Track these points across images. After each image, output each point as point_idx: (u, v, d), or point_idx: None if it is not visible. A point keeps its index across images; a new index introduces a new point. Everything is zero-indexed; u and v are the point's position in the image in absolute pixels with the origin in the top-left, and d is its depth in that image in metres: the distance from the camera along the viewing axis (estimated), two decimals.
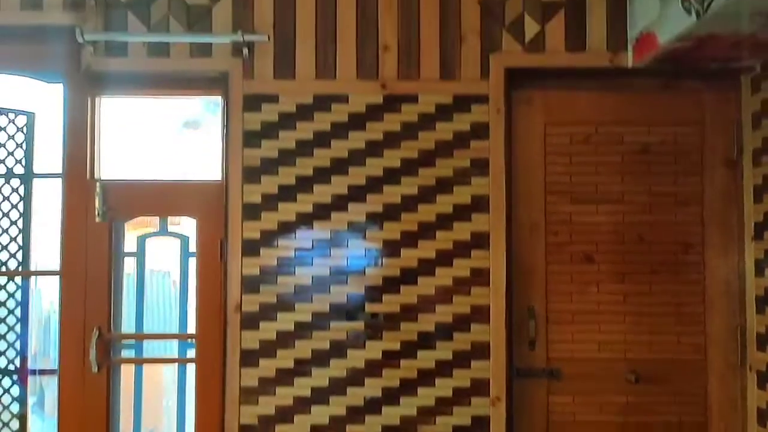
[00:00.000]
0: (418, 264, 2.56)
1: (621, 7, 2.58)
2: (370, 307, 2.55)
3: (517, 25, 2.60)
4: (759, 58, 2.45)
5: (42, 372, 2.82)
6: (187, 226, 2.79)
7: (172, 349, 2.91)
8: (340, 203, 2.58)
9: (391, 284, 2.56)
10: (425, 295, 2.55)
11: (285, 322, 2.54)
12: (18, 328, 2.71)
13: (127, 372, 2.70)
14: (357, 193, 2.58)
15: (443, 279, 2.55)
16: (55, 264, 2.72)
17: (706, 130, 2.66)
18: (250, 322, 2.54)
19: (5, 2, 2.55)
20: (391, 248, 2.56)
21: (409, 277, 2.55)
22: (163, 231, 2.77)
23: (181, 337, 2.70)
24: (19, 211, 2.73)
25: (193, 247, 2.72)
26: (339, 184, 2.58)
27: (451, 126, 2.58)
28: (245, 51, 2.55)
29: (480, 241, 2.56)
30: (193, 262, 2.71)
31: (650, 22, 2.39)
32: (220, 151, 2.68)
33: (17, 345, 2.71)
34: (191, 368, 2.68)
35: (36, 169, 2.76)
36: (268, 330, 2.54)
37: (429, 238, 2.56)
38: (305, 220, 2.58)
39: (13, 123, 2.74)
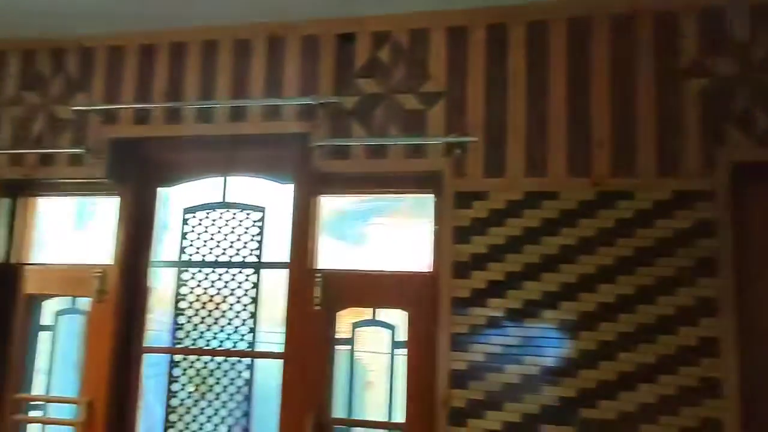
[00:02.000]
0: (637, 368, 2.41)
1: None
2: (584, 412, 2.43)
3: (745, 118, 2.46)
4: None
5: None
6: (395, 314, 2.90)
7: None
8: (550, 300, 2.54)
9: (607, 388, 2.43)
10: (646, 403, 2.38)
11: (493, 420, 2.51)
12: (245, 405, 2.96)
13: None
14: (568, 291, 2.52)
15: (666, 387, 2.37)
16: (276, 347, 2.97)
17: None
18: (458, 417, 2.53)
19: (251, 115, 2.93)
20: (606, 350, 2.45)
21: (627, 382, 2.41)
22: (374, 321, 2.89)
23: (389, 426, 2.76)
24: (250, 297, 3.03)
25: (400, 336, 2.82)
26: (549, 281, 2.55)
27: (672, 223, 2.46)
28: (457, 151, 2.67)
29: (708, 347, 2.36)
30: (401, 352, 2.81)
31: None
32: (431, 246, 2.80)
33: (242, 421, 2.95)
34: None
35: (264, 259, 3.06)
36: (476, 428, 2.52)
37: (649, 342, 2.41)
38: (514, 317, 2.56)
39: (249, 218, 3.09)
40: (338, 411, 2.84)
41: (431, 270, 2.79)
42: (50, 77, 3.19)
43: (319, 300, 2.85)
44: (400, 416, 2.76)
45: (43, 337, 3.26)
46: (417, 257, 2.88)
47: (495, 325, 2.57)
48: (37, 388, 3.22)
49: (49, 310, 3.28)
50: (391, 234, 3.76)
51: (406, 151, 2.76)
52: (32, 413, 3.19)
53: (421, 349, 2.73)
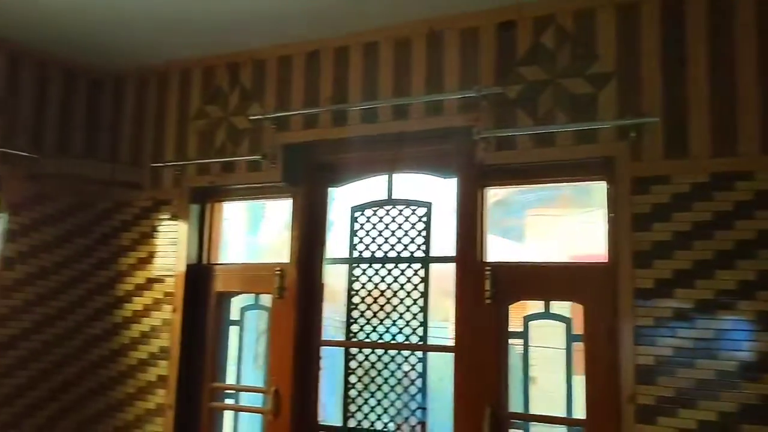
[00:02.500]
0: None
1: None
2: None
3: None
4: None
5: None
6: (570, 307, 2.81)
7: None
8: (746, 290, 2.33)
9: None
10: None
11: (687, 419, 2.35)
12: (419, 397, 3.02)
13: None
14: (767, 280, 2.30)
15: None
16: (447, 340, 3.00)
17: None
18: (646, 415, 2.40)
19: (413, 111, 2.97)
20: None
21: None
22: (547, 314, 2.82)
23: (570, 422, 2.68)
24: (419, 291, 3.08)
25: (577, 329, 2.73)
26: (744, 269, 2.33)
27: None
28: (632, 135, 2.53)
29: None
30: (577, 346, 2.72)
31: None
32: (605, 235, 2.67)
33: (418, 413, 3.01)
34: None
35: (433, 253, 3.09)
36: (667, 427, 2.37)
37: None
38: (705, 308, 2.38)
39: (415, 213, 3.14)
40: (514, 406, 2.81)
41: (607, 260, 2.66)
42: (228, 90, 3.46)
43: (490, 293, 2.82)
44: (579, 412, 2.67)
45: (232, 332, 3.54)
46: (588, 247, 2.77)
47: (683, 317, 2.40)
48: (230, 378, 3.50)
49: (236, 306, 3.55)
50: (555, 224, 3.66)
51: (575, 137, 2.66)
52: (226, 401, 3.48)
53: (600, 343, 2.62)
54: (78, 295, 3.66)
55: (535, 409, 2.82)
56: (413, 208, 3.15)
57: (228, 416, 3.49)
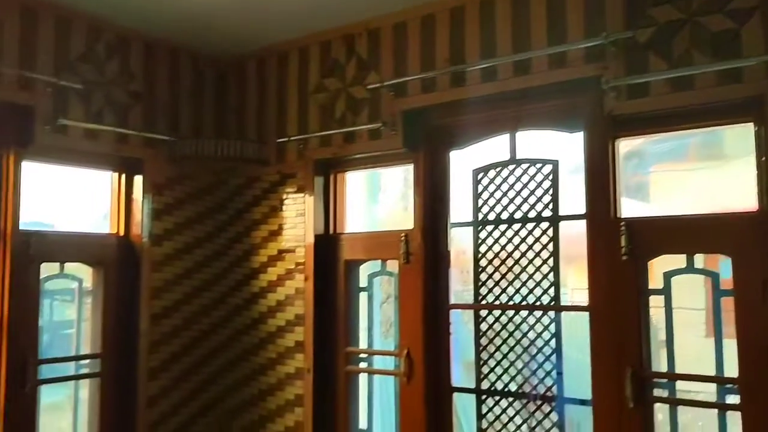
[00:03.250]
0: None
1: None
2: None
3: None
4: None
5: (573, 401, 3.01)
6: (717, 261, 2.64)
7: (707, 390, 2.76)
8: None
9: None
10: None
11: None
12: (553, 358, 2.97)
13: (661, 411, 2.67)
14: None
15: None
16: (582, 299, 2.92)
17: None
18: None
19: (535, 66, 2.88)
20: None
21: None
22: (690, 269, 2.67)
23: (722, 380, 2.53)
24: (548, 251, 3.01)
25: (724, 284, 2.56)
26: None
27: None
28: None
29: None
30: (725, 301, 2.55)
31: None
32: (757, 181, 2.47)
33: (553, 374, 2.96)
34: (732, 416, 2.49)
35: (561, 212, 3.00)
36: None
37: None
38: None
39: (540, 172, 3.06)
40: (657, 364, 2.69)
41: (758, 208, 2.47)
42: (345, 62, 3.52)
43: (626, 249, 2.71)
44: (730, 370, 2.52)
45: (362, 298, 3.64)
46: (726, 200, 2.58)
47: None
48: (362, 343, 3.62)
49: (363, 273, 3.65)
50: (684, 179, 3.43)
51: (716, 78, 2.46)
52: (360, 365, 3.60)
53: (752, 297, 2.44)
54: (220, 268, 3.91)
55: (679, 369, 2.69)
56: (538, 166, 3.07)
57: (362, 379, 3.61)
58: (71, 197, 3.60)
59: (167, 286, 3.65)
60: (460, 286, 3.53)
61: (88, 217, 3.63)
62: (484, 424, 3.11)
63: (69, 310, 3.75)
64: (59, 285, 3.47)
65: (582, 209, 2.89)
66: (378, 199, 4.70)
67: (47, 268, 3.26)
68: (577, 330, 3.03)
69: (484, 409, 3.12)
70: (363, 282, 3.65)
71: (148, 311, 3.53)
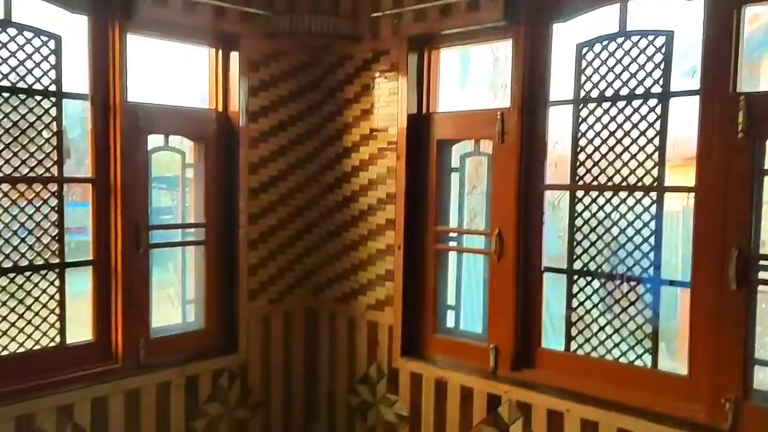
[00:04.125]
0: None
1: None
2: None
3: None
4: None
5: (671, 283, 2.97)
6: None
7: None
8: None
9: None
10: None
11: None
12: (652, 240, 2.90)
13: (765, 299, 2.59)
14: None
15: None
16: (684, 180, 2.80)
17: None
18: None
19: None
20: None
21: None
22: None
23: None
24: (655, 129, 2.86)
25: None
26: None
27: None
28: None
29: None
30: None
31: None
32: None
33: (651, 256, 2.90)
34: None
35: (672, 88, 2.82)
36: None
37: None
38: None
39: (652, 44, 2.85)
40: (765, 248, 2.58)
41: None
42: None
43: (743, 126, 2.54)
44: None
45: (453, 178, 3.64)
46: None
47: None
48: (452, 222, 3.65)
49: (456, 153, 3.62)
50: None
51: None
52: (450, 244, 3.66)
53: None
54: (312, 147, 3.98)
55: None
56: (650, 38, 2.86)
57: (452, 257, 3.67)
58: (173, 73, 3.70)
59: (263, 162, 3.76)
60: (558, 166, 3.45)
61: (190, 93, 3.73)
62: (575, 304, 3.13)
63: (172, 189, 3.97)
64: (164, 158, 3.65)
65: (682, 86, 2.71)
66: (468, 79, 4.58)
67: (153, 141, 3.42)
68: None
69: (575, 289, 3.13)
70: (455, 162, 3.63)
71: (246, 185, 3.67)
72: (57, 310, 3.10)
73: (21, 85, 2.94)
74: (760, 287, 2.59)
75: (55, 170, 3.06)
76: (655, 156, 2.86)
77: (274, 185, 3.82)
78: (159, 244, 3.50)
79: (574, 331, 3.13)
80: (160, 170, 4.28)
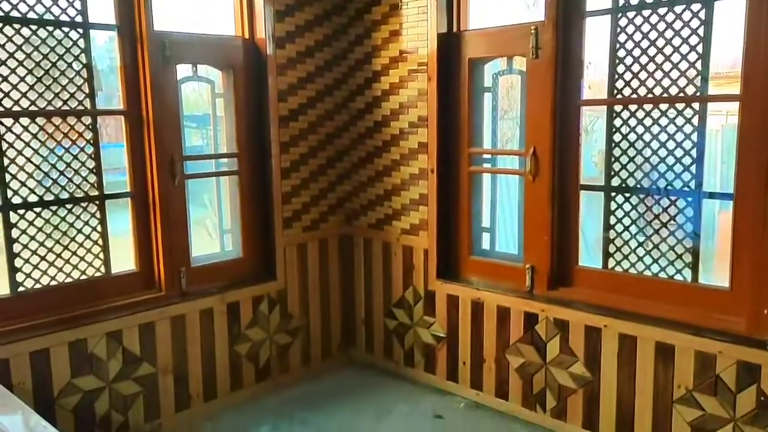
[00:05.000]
0: None
1: None
2: None
3: None
4: None
5: (712, 195, 2.91)
6: None
7: None
8: None
9: None
10: None
11: None
12: (694, 153, 2.82)
13: None
14: None
15: None
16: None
17: None
18: None
19: None
20: None
21: None
22: None
23: None
24: (698, 36, 2.74)
25: None
26: None
27: None
28: None
29: None
30: None
31: None
32: None
33: (692, 169, 2.83)
34: None
35: None
36: None
37: None
38: None
39: None
40: None
41: None
42: None
43: None
44: None
45: (486, 98, 3.56)
46: None
47: None
48: (485, 143, 3.60)
49: (488, 72, 3.53)
50: None
51: None
52: (484, 166, 3.62)
53: None
54: (341, 72, 3.92)
55: None
56: None
57: (486, 179, 3.64)
58: (198, 0, 3.63)
59: (291, 90, 3.71)
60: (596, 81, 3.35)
61: (216, 20, 3.66)
62: (612, 221, 3.10)
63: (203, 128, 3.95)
64: (193, 95, 3.62)
65: None
66: None
67: (182, 71, 3.39)
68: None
69: (613, 206, 3.08)
70: (487, 82, 3.55)
71: (276, 114, 3.65)
72: (100, 242, 3.17)
73: (47, 17, 2.92)
74: None
75: (87, 103, 3.07)
76: (698, 64, 2.75)
77: (304, 113, 3.79)
78: (194, 174, 3.52)
79: (612, 249, 3.11)
80: (190, 108, 4.29)
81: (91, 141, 3.10)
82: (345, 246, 4.09)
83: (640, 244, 3.03)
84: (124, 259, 3.31)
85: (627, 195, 3.04)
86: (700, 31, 2.73)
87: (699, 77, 2.76)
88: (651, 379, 2.88)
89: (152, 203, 3.28)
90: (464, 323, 3.57)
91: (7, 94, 2.82)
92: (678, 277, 2.93)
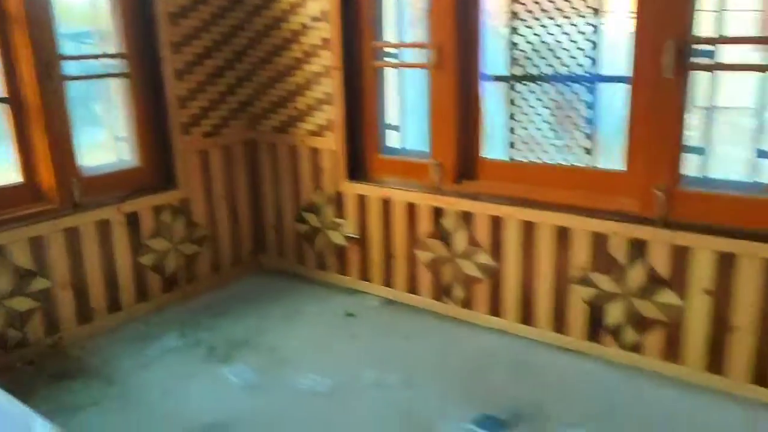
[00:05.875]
0: None
1: None
2: None
3: None
4: None
5: (609, 79, 2.93)
6: None
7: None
8: None
9: None
10: None
11: None
12: (593, 36, 2.81)
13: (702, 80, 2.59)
14: None
15: None
16: None
17: None
18: None
19: None
20: None
21: None
22: None
23: (764, 41, 2.37)
24: None
25: None
26: None
27: None
28: None
29: None
30: None
31: None
32: None
33: (590, 53, 2.84)
34: None
35: None
36: None
37: None
38: None
39: None
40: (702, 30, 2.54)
41: None
42: None
43: None
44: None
45: None
46: None
47: None
48: (388, 37, 3.48)
49: None
50: None
51: None
52: (387, 60, 3.51)
53: None
54: None
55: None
56: None
57: (392, 75, 3.54)
58: None
59: None
60: None
61: None
62: (515, 112, 3.10)
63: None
64: None
65: None
66: None
67: None
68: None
69: (515, 96, 3.08)
70: None
71: (165, 9, 3.38)
72: None
73: None
74: (693, 72, 2.57)
75: None
76: None
77: (195, 8, 3.53)
78: (76, 76, 3.25)
79: (515, 139, 3.13)
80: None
81: None
82: (250, 151, 3.95)
83: (542, 134, 3.05)
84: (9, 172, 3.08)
85: (527, 84, 3.04)
86: None
87: None
88: (551, 263, 2.98)
89: (31, 108, 3.02)
90: (374, 222, 3.56)
91: None
92: (578, 164, 3.00)
